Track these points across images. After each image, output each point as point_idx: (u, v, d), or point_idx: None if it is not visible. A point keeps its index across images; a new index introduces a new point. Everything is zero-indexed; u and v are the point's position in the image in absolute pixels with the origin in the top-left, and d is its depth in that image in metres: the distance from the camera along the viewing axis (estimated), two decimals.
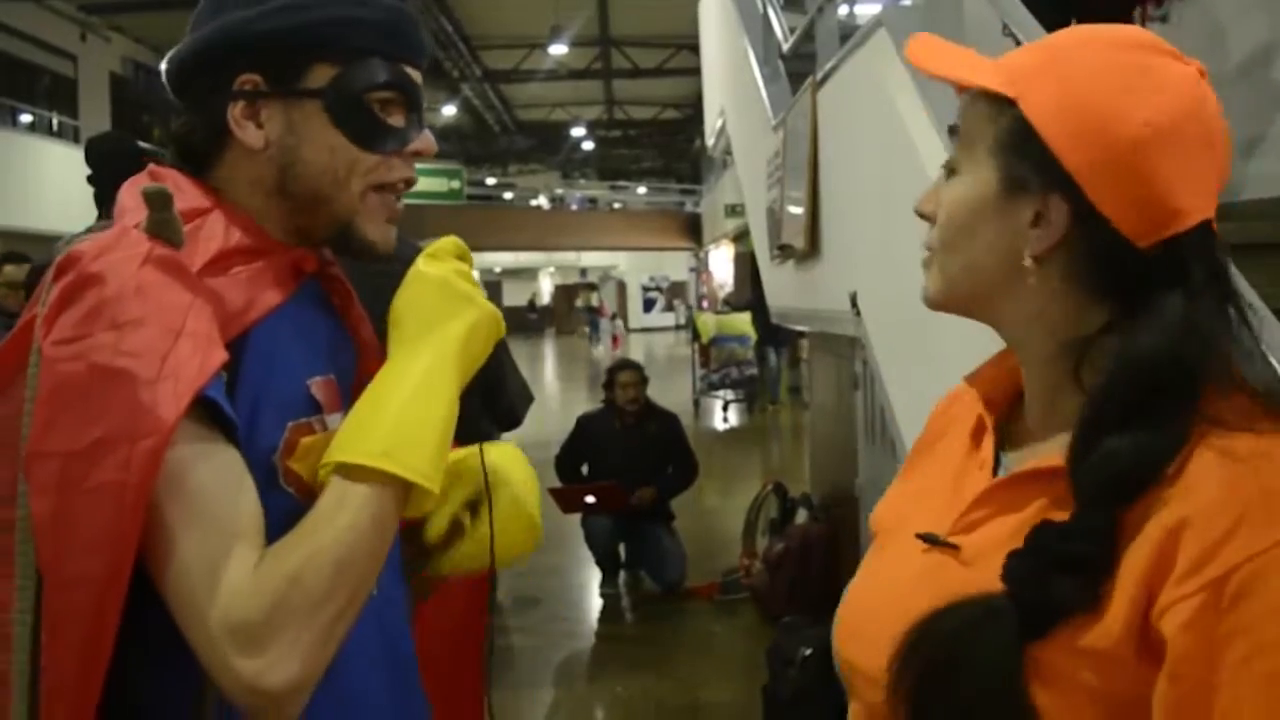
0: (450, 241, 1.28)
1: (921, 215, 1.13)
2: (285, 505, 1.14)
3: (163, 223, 1.13)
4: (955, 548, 1.05)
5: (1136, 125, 0.96)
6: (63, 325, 1.05)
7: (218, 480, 1.06)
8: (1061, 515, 0.95)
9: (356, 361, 1.33)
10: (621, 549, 6.86)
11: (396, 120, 1.27)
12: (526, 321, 41.87)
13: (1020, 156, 1.02)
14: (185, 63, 1.25)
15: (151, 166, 1.27)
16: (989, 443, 1.13)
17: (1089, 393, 0.98)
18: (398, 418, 1.14)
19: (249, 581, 1.03)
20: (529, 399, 4.61)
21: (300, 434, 1.19)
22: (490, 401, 4.29)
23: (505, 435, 7.40)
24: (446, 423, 1.17)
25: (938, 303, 1.12)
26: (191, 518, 1.03)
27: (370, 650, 1.25)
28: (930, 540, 1.08)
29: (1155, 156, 0.96)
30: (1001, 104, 1.03)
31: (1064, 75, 1.00)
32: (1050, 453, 1.02)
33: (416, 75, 1.29)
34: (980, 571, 0.99)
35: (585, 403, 9.80)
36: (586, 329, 37.42)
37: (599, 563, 6.80)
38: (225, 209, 1.23)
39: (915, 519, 1.13)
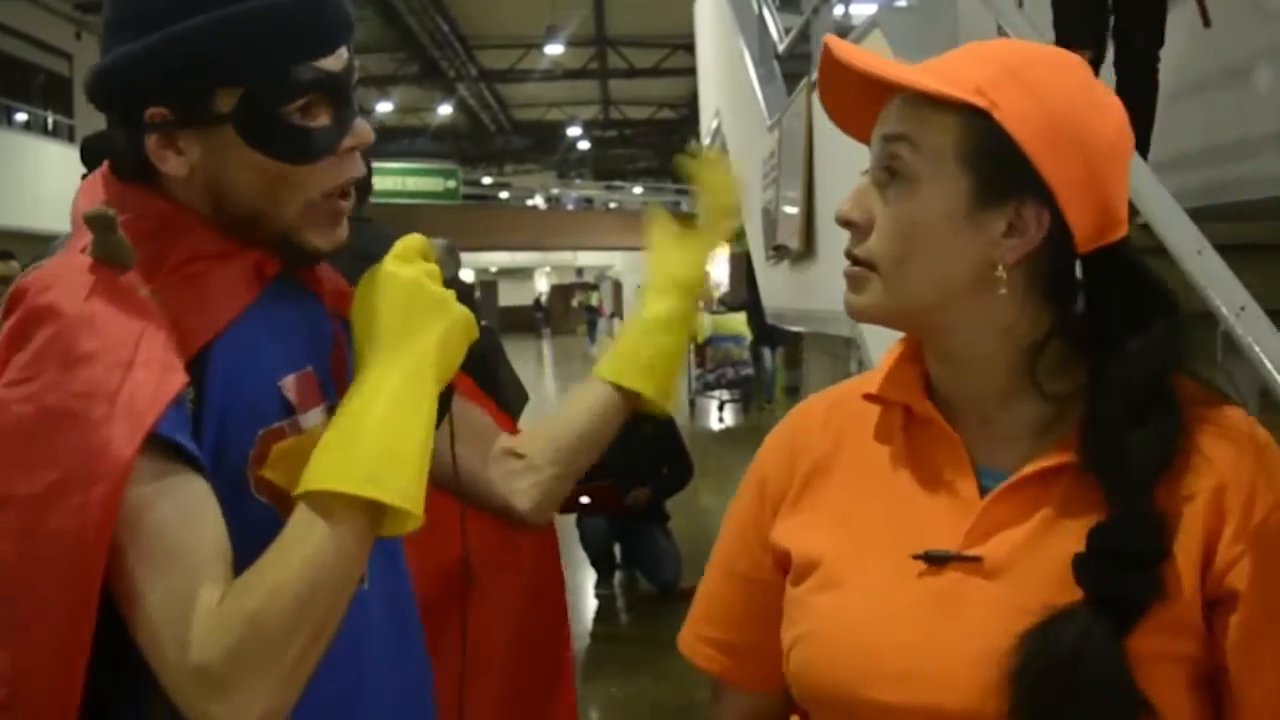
0: (417, 240, 1.24)
1: (849, 223, 1.09)
2: (260, 516, 1.11)
3: (109, 244, 1.08)
4: (978, 560, 1.03)
5: (1103, 139, 1.03)
6: (14, 366, 1.03)
7: (179, 517, 1.03)
8: (1076, 512, 1.01)
9: (334, 343, 1.27)
10: (616, 550, 6.86)
11: (322, 120, 1.17)
12: (532, 320, 41.90)
13: (997, 166, 1.02)
14: (98, 88, 1.17)
15: (102, 172, 1.21)
16: (959, 454, 1.09)
17: (1102, 395, 1.02)
18: (378, 438, 1.09)
19: (210, 622, 1.00)
20: (524, 399, 4.59)
21: (272, 440, 1.15)
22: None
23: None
24: (427, 437, 1.13)
25: (880, 316, 1.10)
26: (153, 559, 1.01)
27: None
28: (940, 559, 1.05)
29: (1111, 168, 1.04)
30: (969, 114, 1.02)
31: (1033, 90, 1.02)
32: (1039, 454, 1.05)
33: (336, 60, 1.18)
34: (1010, 583, 1.01)
35: None
36: (586, 327, 37.44)
37: (594, 564, 6.80)
38: (178, 215, 1.17)
39: (871, 546, 1.10)
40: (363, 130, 1.21)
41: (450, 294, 1.20)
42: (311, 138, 1.16)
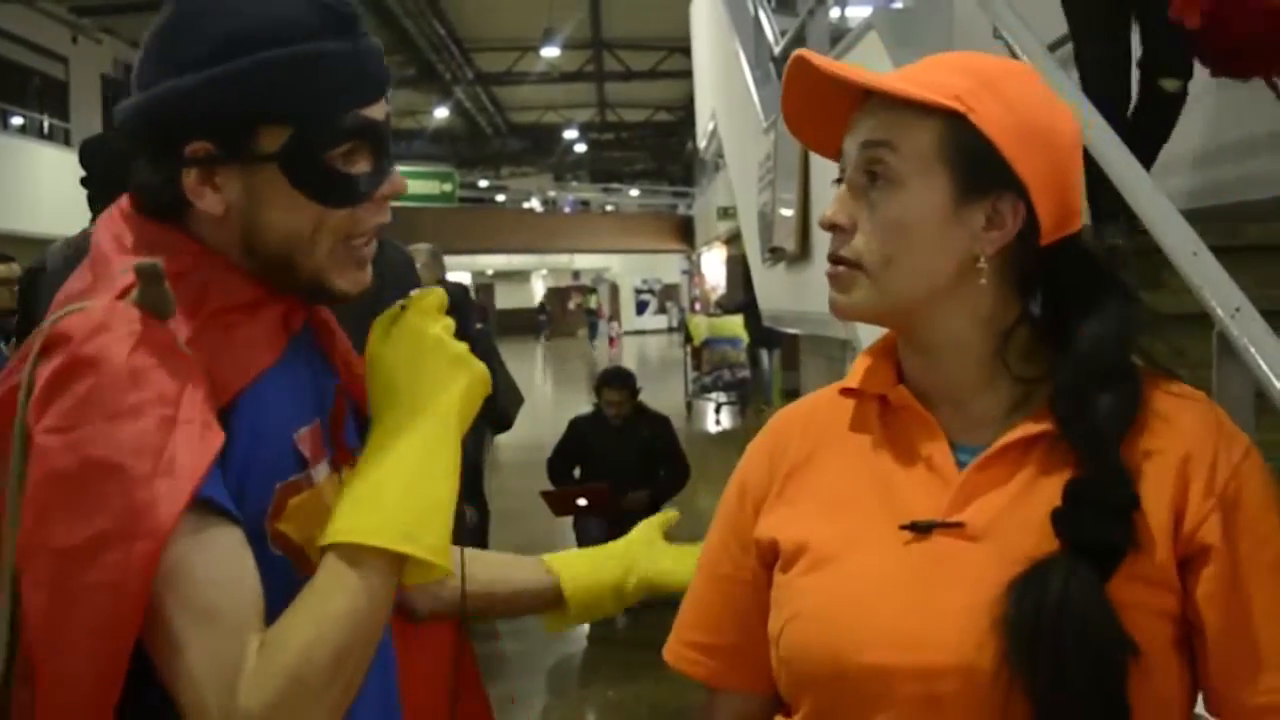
0: (438, 295, 1.23)
1: (834, 226, 1.16)
2: (275, 567, 1.11)
3: (156, 295, 1.08)
4: (960, 525, 1.10)
5: (1065, 139, 1.14)
6: (55, 413, 1.02)
7: (221, 573, 1.03)
8: (1051, 476, 1.09)
9: (335, 396, 1.28)
10: None
11: (362, 167, 1.19)
12: (534, 323, 42.03)
13: (976, 164, 1.11)
14: (136, 121, 1.17)
15: (121, 207, 1.22)
16: (935, 433, 1.16)
17: (1067, 366, 1.12)
18: (409, 495, 1.11)
19: (252, 677, 1.00)
20: (519, 400, 4.62)
21: (288, 494, 1.16)
22: (484, 406, 4.28)
23: (499, 437, 7.35)
24: (453, 492, 1.15)
25: (869, 314, 1.17)
26: (193, 612, 1.01)
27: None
28: (924, 527, 1.11)
29: (1072, 165, 1.15)
30: (949, 119, 1.11)
31: (1004, 97, 1.12)
32: (1013, 427, 1.13)
33: (378, 110, 1.20)
34: (994, 543, 1.08)
35: (583, 404, 9.78)
36: (585, 330, 37.54)
37: None
38: (209, 257, 1.17)
39: (857, 525, 1.15)
40: (398, 180, 1.23)
41: (467, 348, 1.21)
42: (353, 183, 1.18)
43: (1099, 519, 1.04)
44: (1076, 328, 1.13)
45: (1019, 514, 1.09)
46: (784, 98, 1.23)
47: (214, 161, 1.14)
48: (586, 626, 6.32)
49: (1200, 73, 4.43)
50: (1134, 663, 1.01)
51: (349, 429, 1.29)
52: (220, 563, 1.04)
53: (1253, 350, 1.93)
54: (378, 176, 1.20)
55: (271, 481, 1.14)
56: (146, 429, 1.01)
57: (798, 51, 1.18)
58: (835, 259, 1.16)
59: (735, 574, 1.27)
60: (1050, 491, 1.08)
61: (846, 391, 1.24)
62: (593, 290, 40.11)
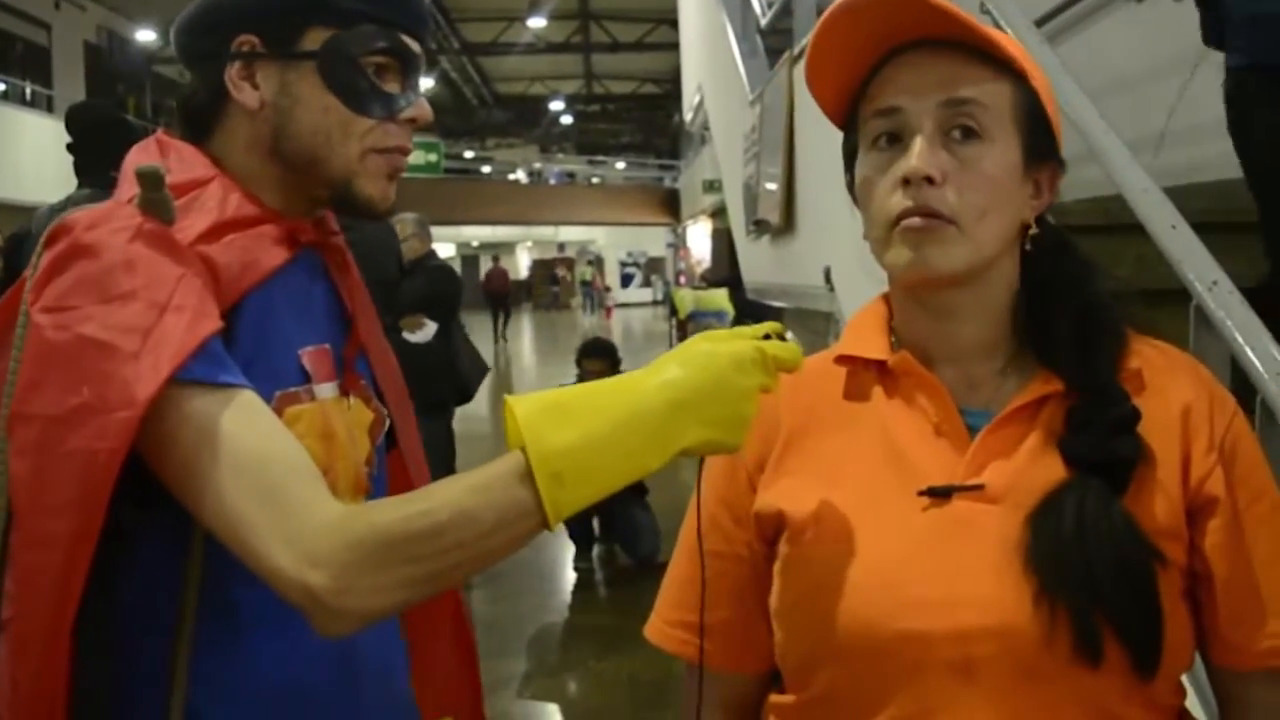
0: (795, 354, 1.10)
1: (927, 179, 1.09)
2: None
3: (154, 201, 1.14)
4: (980, 488, 1.10)
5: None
6: (51, 293, 1.09)
7: (251, 427, 1.07)
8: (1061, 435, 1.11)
9: (350, 332, 1.34)
10: (595, 523, 6.88)
11: (392, 86, 1.27)
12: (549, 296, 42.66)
13: (1039, 131, 1.14)
14: (191, 23, 1.27)
15: (159, 134, 1.29)
16: (942, 397, 1.15)
17: (1051, 308, 1.15)
18: (603, 445, 1.04)
19: (329, 531, 1.02)
20: (483, 371, 4.61)
21: (287, 403, 1.21)
22: (445, 376, 4.28)
23: (478, 410, 7.30)
24: (620, 482, 1.06)
25: (962, 271, 1.11)
26: (237, 465, 1.05)
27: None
28: (944, 492, 1.10)
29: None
30: (1015, 80, 1.13)
31: (1035, 69, 1.14)
32: (1018, 392, 1.14)
33: (415, 44, 1.29)
34: (1014, 503, 1.09)
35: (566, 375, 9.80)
36: (582, 300, 37.89)
37: (572, 537, 6.81)
38: (225, 179, 1.24)
39: (869, 493, 1.13)
40: (423, 107, 1.30)
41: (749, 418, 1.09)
42: (380, 95, 1.26)
43: (1102, 435, 1.07)
44: (1050, 285, 1.16)
45: (1035, 473, 1.09)
46: (817, 40, 1.15)
47: (257, 56, 1.24)
48: (568, 598, 6.35)
49: (1182, 49, 4.45)
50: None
51: (360, 361, 1.35)
52: (248, 415, 1.08)
53: (1229, 324, 1.95)
54: (405, 99, 1.28)
55: (272, 388, 1.19)
56: (136, 311, 1.07)
57: None
58: (927, 211, 1.09)
59: (727, 549, 1.23)
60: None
61: (842, 359, 1.22)
62: (590, 263, 40.14)
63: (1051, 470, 1.09)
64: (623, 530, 6.74)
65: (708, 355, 1.07)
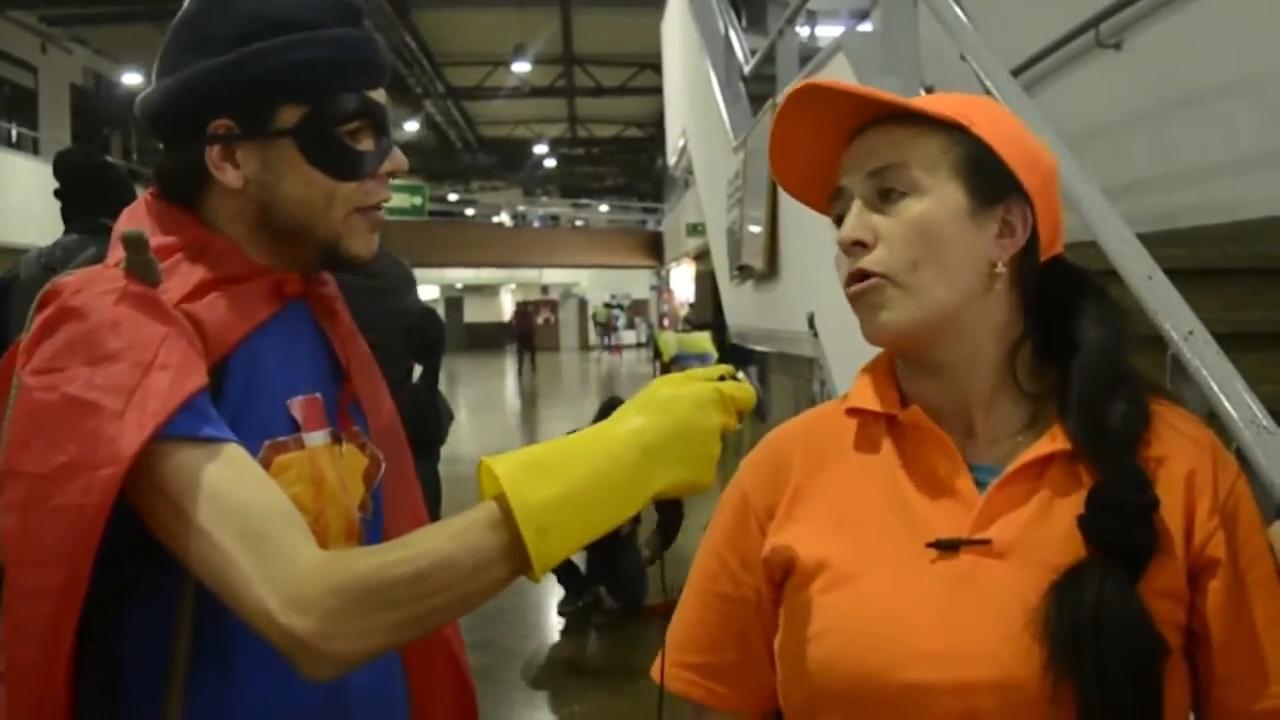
0: (747, 395, 1.16)
1: (856, 244, 1.16)
2: None
3: (139, 264, 1.18)
4: (987, 542, 1.12)
5: (1047, 160, 1.20)
6: (41, 355, 1.12)
7: (236, 478, 1.11)
8: (1069, 493, 1.12)
9: (344, 380, 1.36)
10: (582, 565, 6.87)
11: (366, 145, 1.30)
12: (503, 337, 42.36)
13: (987, 173, 1.16)
14: (162, 108, 1.28)
15: (148, 196, 1.32)
16: (951, 452, 1.17)
17: (1077, 379, 1.15)
18: (582, 496, 1.08)
19: (312, 563, 1.06)
20: (450, 418, 4.62)
21: (275, 452, 1.23)
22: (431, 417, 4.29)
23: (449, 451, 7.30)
24: (600, 529, 1.11)
25: (905, 329, 1.15)
26: (223, 516, 1.08)
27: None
28: (950, 545, 1.12)
29: (1055, 184, 1.20)
30: (952, 133, 1.16)
31: (991, 114, 1.19)
32: (1027, 448, 1.15)
33: (380, 95, 1.33)
34: (1020, 559, 1.11)
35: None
36: (600, 339, 38.43)
37: (560, 581, 6.80)
38: (212, 237, 1.27)
39: (877, 543, 1.16)
40: (399, 158, 1.34)
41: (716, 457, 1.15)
42: (360, 158, 1.30)
43: (1124, 522, 1.08)
44: (1077, 341, 1.17)
45: (1041, 530, 1.11)
46: (775, 135, 1.23)
47: (234, 139, 1.26)
48: (554, 641, 6.33)
49: (1159, 98, 4.51)
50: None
51: (353, 407, 1.37)
52: (235, 469, 1.11)
53: (1204, 373, 1.97)
54: (380, 154, 1.32)
55: (261, 438, 1.22)
56: (121, 371, 1.10)
57: (807, 80, 1.21)
58: (859, 273, 1.16)
59: (733, 591, 1.26)
60: (1069, 506, 1.11)
61: (853, 411, 1.25)
62: (613, 306, 40.19)
63: (1056, 527, 1.11)
64: (609, 575, 6.72)
65: (670, 400, 1.12)
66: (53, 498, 1.06)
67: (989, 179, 1.16)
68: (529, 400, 22.61)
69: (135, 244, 1.17)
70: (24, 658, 1.08)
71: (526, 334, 32.23)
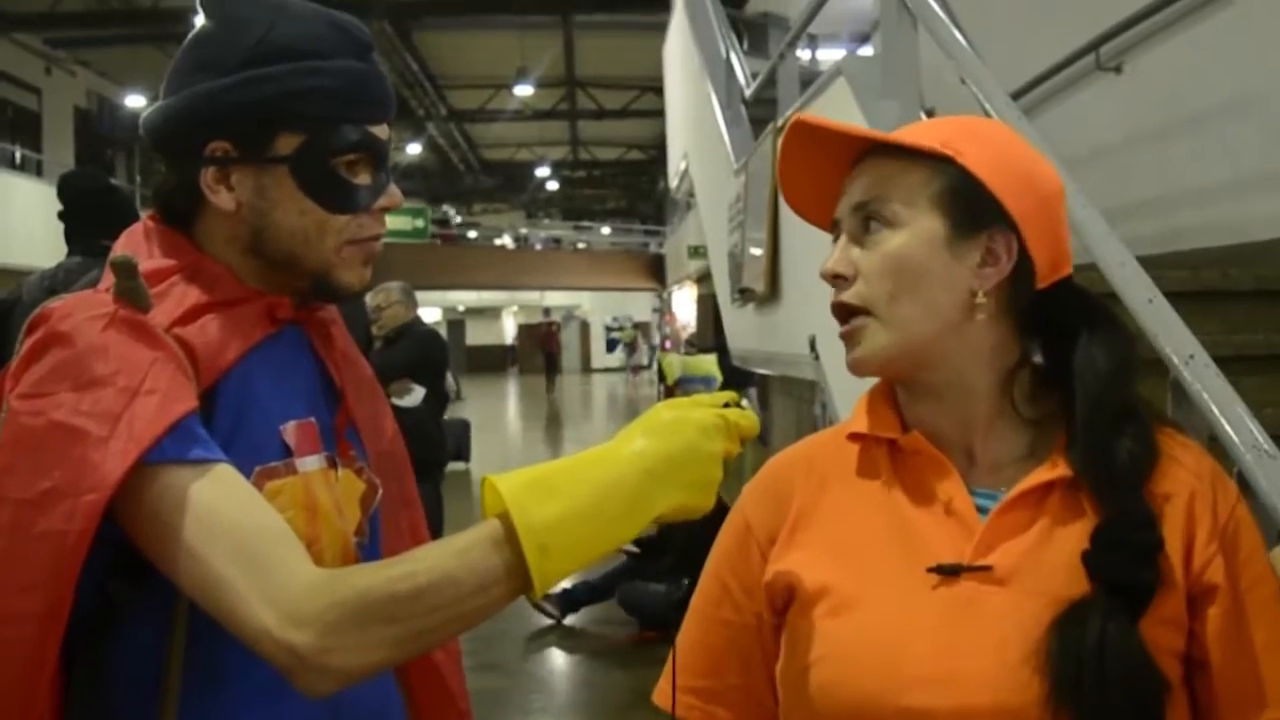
0: (752, 425, 1.16)
1: (836, 277, 1.19)
2: None
3: (129, 289, 1.17)
4: (989, 569, 1.12)
5: (1049, 183, 1.19)
6: (28, 380, 1.12)
7: (227, 496, 1.11)
8: (1069, 521, 1.13)
9: (340, 402, 1.36)
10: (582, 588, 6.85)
11: (363, 179, 1.30)
12: (504, 359, 42.79)
13: (968, 203, 1.16)
14: (163, 125, 1.28)
15: (146, 220, 1.32)
16: (952, 478, 1.18)
17: (1082, 410, 1.14)
18: (584, 516, 1.08)
19: (309, 595, 1.06)
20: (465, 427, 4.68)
21: (266, 478, 1.22)
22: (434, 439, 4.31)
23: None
24: (601, 550, 1.11)
25: (884, 358, 1.18)
26: (214, 535, 1.08)
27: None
28: (951, 571, 1.12)
29: (1058, 211, 1.20)
30: (936, 163, 1.17)
31: (986, 142, 1.19)
32: (1028, 473, 1.16)
33: (382, 131, 1.32)
34: (1021, 586, 1.11)
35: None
36: (625, 359, 38.65)
37: (561, 601, 6.79)
38: (206, 262, 1.27)
39: (878, 569, 1.16)
40: (394, 195, 1.33)
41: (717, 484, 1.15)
42: (355, 191, 1.29)
43: (1128, 561, 1.08)
44: (1081, 369, 1.16)
45: (1042, 557, 1.12)
46: (780, 166, 1.26)
47: (230, 162, 1.26)
48: (565, 658, 6.29)
49: (1160, 120, 4.52)
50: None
51: (351, 432, 1.37)
52: (226, 488, 1.11)
53: (1205, 396, 1.97)
54: (376, 189, 1.31)
55: (252, 463, 1.21)
56: (108, 396, 1.10)
57: (796, 116, 1.22)
58: (839, 305, 1.19)
59: (737, 618, 1.27)
60: (1070, 535, 1.12)
61: (854, 436, 1.25)
62: (634, 327, 40.29)
63: (1057, 555, 1.11)
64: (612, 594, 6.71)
65: (675, 423, 1.12)
66: (36, 524, 1.06)
67: (970, 208, 1.16)
68: (556, 422, 22.51)
69: (124, 269, 1.17)
70: (8, 681, 1.08)
71: (552, 355, 32.62)
